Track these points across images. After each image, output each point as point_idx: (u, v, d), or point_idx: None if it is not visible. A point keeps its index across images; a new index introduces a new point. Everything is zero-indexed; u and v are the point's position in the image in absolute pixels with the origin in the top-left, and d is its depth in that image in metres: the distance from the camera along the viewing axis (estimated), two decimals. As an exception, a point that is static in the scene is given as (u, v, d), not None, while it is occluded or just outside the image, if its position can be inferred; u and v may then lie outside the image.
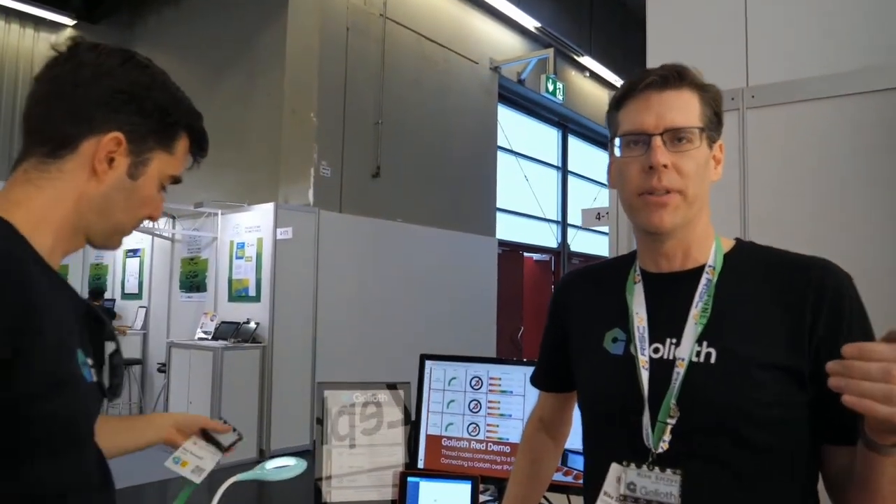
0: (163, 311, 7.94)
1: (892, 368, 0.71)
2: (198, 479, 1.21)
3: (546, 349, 1.28)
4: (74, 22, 10.20)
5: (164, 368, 6.90)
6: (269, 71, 7.62)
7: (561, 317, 1.21)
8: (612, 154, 1.06)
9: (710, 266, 1.02)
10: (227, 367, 6.10)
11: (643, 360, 0.99)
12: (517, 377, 1.71)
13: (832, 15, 2.02)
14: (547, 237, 11.55)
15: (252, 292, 6.65)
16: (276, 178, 7.24)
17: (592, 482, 1.03)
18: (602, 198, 11.16)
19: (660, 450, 0.95)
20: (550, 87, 10.00)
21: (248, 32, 8.05)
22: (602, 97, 11.67)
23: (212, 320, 6.88)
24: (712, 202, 1.06)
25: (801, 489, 0.96)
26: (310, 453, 1.68)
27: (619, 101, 1.04)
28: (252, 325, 6.47)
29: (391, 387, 1.73)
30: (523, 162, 10.87)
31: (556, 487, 1.57)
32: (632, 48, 10.98)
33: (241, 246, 6.84)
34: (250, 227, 6.77)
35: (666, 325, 1.01)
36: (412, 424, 1.73)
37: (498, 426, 1.71)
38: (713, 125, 1.01)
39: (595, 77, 11.69)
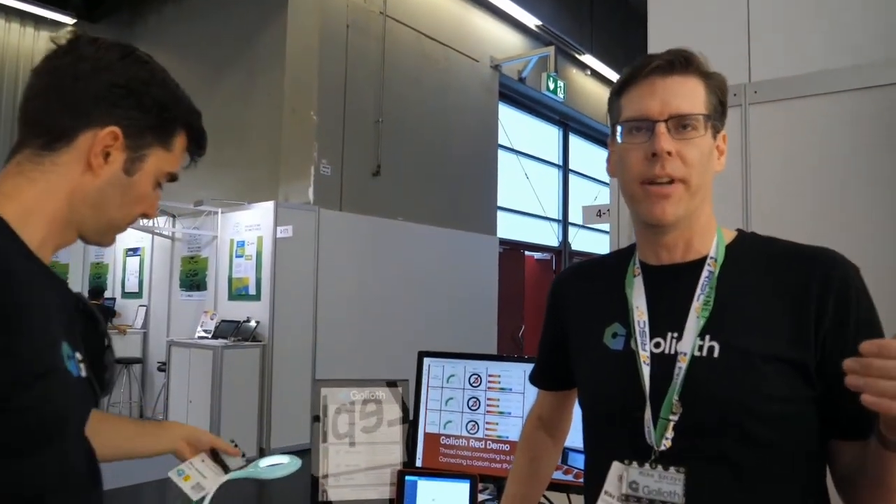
0: (163, 309, 7.93)
1: None
2: (195, 497, 1.21)
3: (544, 347, 1.26)
4: (74, 21, 10.20)
5: (164, 367, 6.89)
6: (269, 69, 7.61)
7: (559, 313, 1.18)
8: (612, 141, 1.03)
9: (711, 258, 0.99)
10: (227, 366, 6.09)
11: (644, 356, 0.97)
12: (516, 374, 1.69)
13: (835, 10, 2.01)
14: (548, 236, 11.53)
15: (252, 291, 6.64)
16: (276, 176, 7.23)
17: (593, 481, 1.01)
18: (603, 196, 11.13)
19: (662, 447, 0.92)
20: (551, 86, 9.98)
21: (248, 31, 8.04)
22: (603, 95, 11.62)
23: (212, 319, 6.87)
24: (715, 199, 1.03)
25: (808, 486, 0.94)
26: (309, 452, 1.66)
27: (622, 86, 1.01)
28: (252, 323, 6.46)
29: (391, 384, 1.71)
30: (524, 160, 10.85)
31: (556, 486, 1.55)
32: (633, 46, 10.95)
33: (241, 244, 6.82)
34: (250, 226, 6.75)
35: (667, 318, 0.98)
36: (411, 422, 1.71)
37: (497, 424, 1.69)
38: (718, 114, 0.99)
39: (596, 75, 11.66)
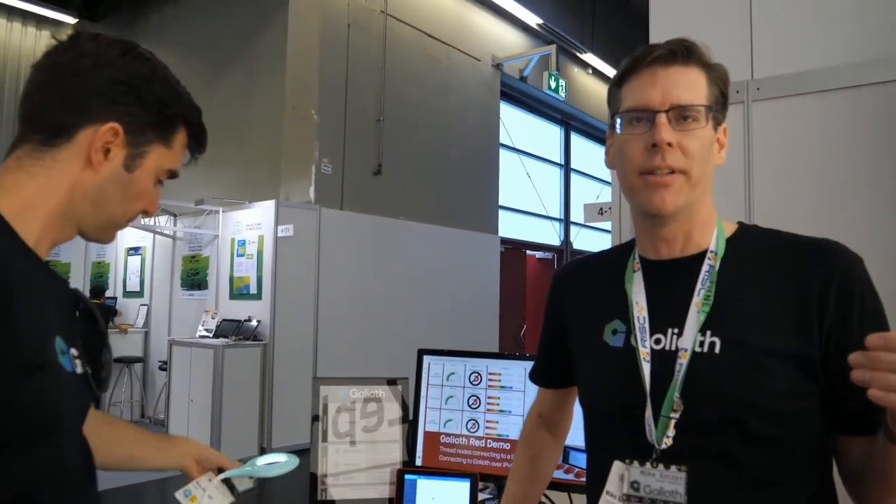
0: (164, 308, 7.93)
1: None
2: None
3: (544, 344, 1.24)
4: (76, 20, 10.22)
5: (165, 366, 6.89)
6: (270, 68, 7.60)
7: (559, 310, 1.17)
8: (612, 132, 1.01)
9: (712, 251, 0.97)
10: (228, 365, 6.08)
11: (644, 352, 0.95)
12: (517, 372, 1.68)
13: (837, 7, 1.99)
14: (550, 235, 11.52)
15: (253, 290, 6.63)
16: (277, 175, 7.22)
17: (595, 481, 0.99)
18: (605, 195, 11.12)
19: (664, 446, 0.90)
20: (553, 84, 9.97)
21: (249, 30, 8.04)
22: (605, 94, 11.57)
23: (213, 318, 6.87)
24: (717, 197, 1.02)
25: (814, 484, 0.91)
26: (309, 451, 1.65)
27: (623, 76, 0.99)
28: (253, 322, 6.45)
29: (391, 382, 1.70)
30: (526, 159, 10.84)
31: (557, 485, 1.54)
32: (635, 44, 10.73)
33: (242, 243, 6.82)
34: (251, 225, 6.75)
35: (667, 314, 0.96)
36: (410, 421, 1.70)
37: (497, 422, 1.68)
38: (719, 106, 0.97)
39: (598, 74, 11.65)
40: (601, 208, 3.27)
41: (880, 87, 1.83)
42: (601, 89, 11.73)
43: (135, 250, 8.45)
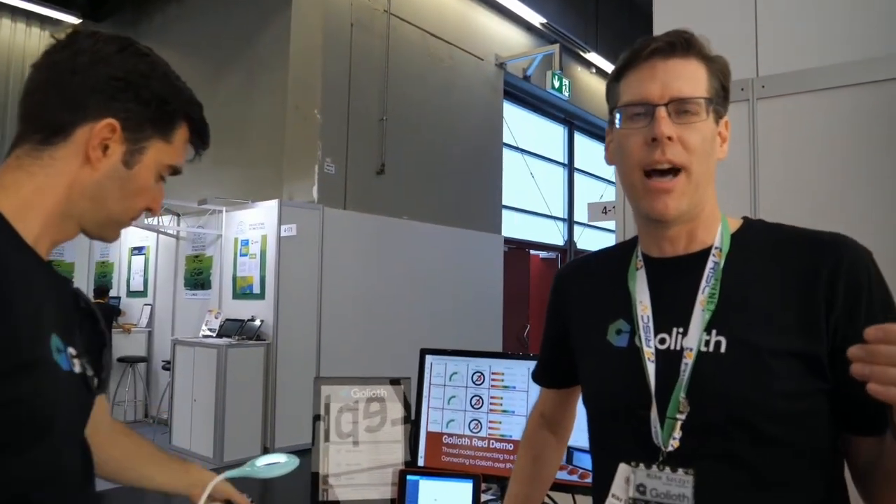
0: (168, 308, 7.93)
1: None
2: None
3: (547, 343, 1.22)
4: (80, 21, 10.24)
5: (168, 366, 6.89)
6: (273, 68, 7.60)
7: (561, 310, 1.15)
8: (611, 128, 0.99)
9: (716, 248, 0.95)
10: (231, 365, 6.08)
11: (649, 352, 0.93)
12: (520, 372, 1.66)
13: (842, 4, 1.98)
14: (553, 235, 11.50)
15: (256, 290, 6.63)
16: (280, 175, 7.22)
17: (601, 483, 0.98)
18: (609, 194, 11.10)
19: (670, 448, 0.88)
20: (556, 84, 9.96)
21: (252, 29, 8.04)
22: (608, 94, 11.57)
23: (216, 318, 6.86)
24: (722, 195, 1.00)
25: (824, 485, 0.89)
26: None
27: (621, 70, 0.97)
28: (256, 322, 6.45)
29: (394, 382, 1.69)
30: (529, 159, 10.82)
31: (561, 486, 1.53)
32: (638, 44, 10.89)
33: (246, 243, 6.81)
34: (254, 225, 6.74)
35: (672, 313, 0.94)
36: (412, 421, 1.69)
37: (500, 423, 1.66)
38: (720, 98, 0.95)
39: (601, 73, 11.61)
40: (605, 207, 3.26)
41: (885, 85, 1.82)
42: (605, 88, 11.70)
43: (138, 250, 8.46)
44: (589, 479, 1.38)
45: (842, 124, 1.88)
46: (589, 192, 12.14)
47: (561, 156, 11.94)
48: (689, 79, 0.92)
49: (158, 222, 7.67)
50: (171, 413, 6.68)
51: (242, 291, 6.80)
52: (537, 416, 1.29)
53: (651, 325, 0.95)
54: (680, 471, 0.88)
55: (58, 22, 10.23)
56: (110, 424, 1.22)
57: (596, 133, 12.51)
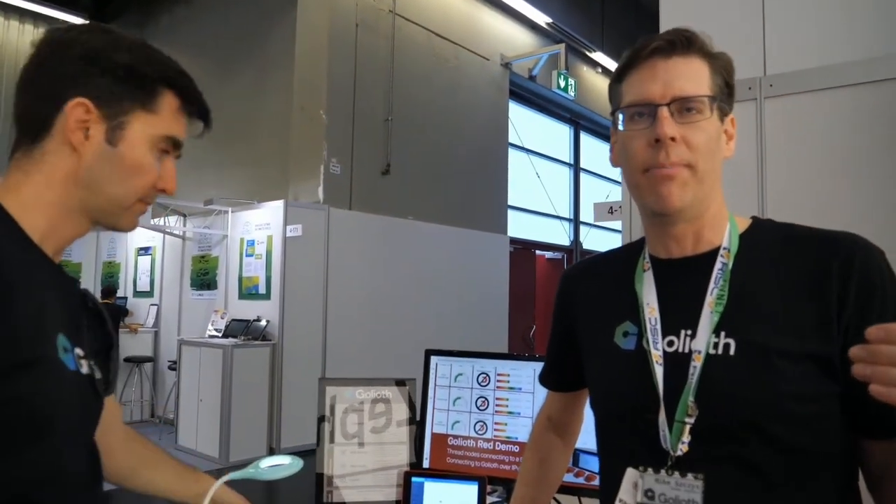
0: (174, 308, 7.95)
1: None
2: None
3: (553, 346, 1.21)
4: (86, 22, 10.27)
5: (174, 366, 6.91)
6: (279, 68, 7.61)
7: (567, 312, 1.13)
8: (614, 129, 0.98)
9: (724, 248, 0.93)
10: (237, 365, 6.09)
11: (656, 355, 0.92)
12: (526, 373, 1.65)
13: (850, 2, 1.96)
14: (559, 235, 11.47)
15: (262, 290, 6.63)
16: (285, 175, 7.23)
17: (608, 487, 0.96)
18: (615, 194, 11.07)
19: (679, 452, 0.87)
20: (562, 84, 9.93)
21: (258, 30, 8.05)
22: (614, 93, 11.54)
23: (222, 318, 6.88)
24: (728, 195, 0.98)
25: (836, 490, 0.87)
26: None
27: (622, 71, 0.96)
28: (262, 322, 6.46)
29: (400, 383, 1.68)
30: (535, 159, 10.80)
31: (567, 489, 1.52)
32: (645, 44, 10.85)
33: (252, 243, 6.82)
34: (260, 225, 6.75)
35: (680, 315, 0.93)
36: (417, 422, 1.68)
37: (506, 424, 1.65)
38: (724, 96, 0.93)
39: (607, 73, 11.58)
40: (611, 207, 3.25)
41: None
42: (610, 88, 11.68)
43: (145, 250, 8.48)
44: (595, 482, 1.37)
45: (852, 123, 1.86)
46: (595, 192, 12.11)
47: (567, 156, 11.91)
48: (691, 77, 0.91)
49: (165, 223, 7.69)
50: (177, 413, 6.69)
51: (248, 292, 6.81)
52: (544, 418, 1.28)
53: (659, 327, 0.94)
54: (689, 476, 0.86)
55: (64, 24, 10.26)
56: (124, 431, 1.21)
57: (602, 133, 12.48)
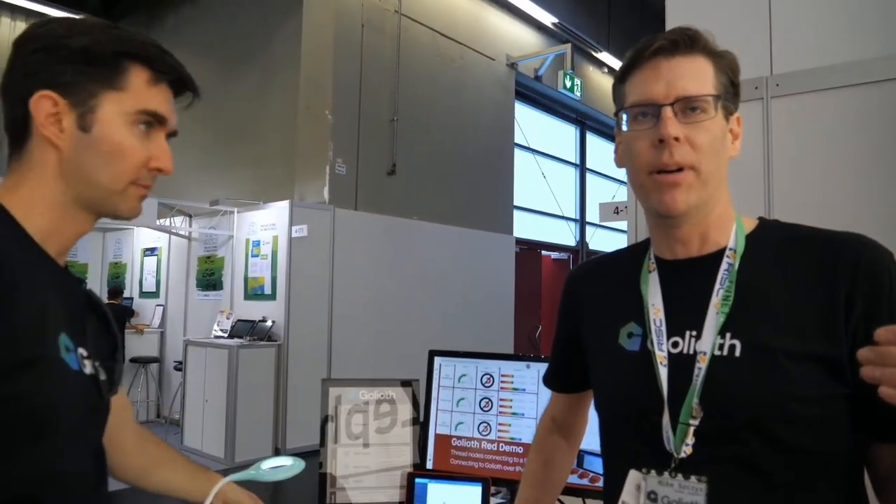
0: (180, 309, 7.97)
1: None
2: None
3: (558, 347, 1.20)
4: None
5: (180, 366, 6.92)
6: (285, 68, 7.62)
7: (573, 312, 1.13)
8: (618, 130, 0.97)
9: (730, 249, 0.92)
10: (242, 365, 6.09)
11: (661, 356, 0.91)
12: (530, 374, 1.64)
13: (856, 1, 1.95)
14: (565, 235, 11.45)
15: (268, 290, 6.64)
16: (291, 175, 7.23)
17: (611, 489, 0.95)
18: (621, 194, 11.04)
19: (682, 454, 0.86)
20: (568, 84, 9.92)
21: (264, 30, 8.06)
22: (620, 93, 11.52)
23: (228, 318, 6.89)
24: (735, 195, 0.97)
25: (843, 494, 0.86)
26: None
27: (625, 71, 0.95)
28: (268, 323, 6.46)
29: (405, 384, 1.68)
30: (541, 159, 10.78)
31: (571, 490, 1.51)
32: (651, 43, 10.82)
33: (257, 244, 6.83)
34: (266, 225, 6.76)
35: (685, 316, 0.92)
36: (421, 423, 1.67)
37: (510, 425, 1.64)
38: (729, 95, 0.92)
39: (613, 73, 11.48)
40: (617, 207, 3.24)
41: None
42: (615, 89, 11.65)
43: (151, 251, 8.51)
44: (599, 483, 1.36)
45: (859, 122, 1.85)
46: (601, 193, 12.09)
47: (573, 156, 11.89)
48: (695, 76, 0.90)
49: (170, 223, 7.71)
50: (183, 413, 6.71)
51: (254, 292, 6.82)
52: (548, 420, 1.27)
53: (664, 328, 0.93)
54: (693, 478, 0.85)
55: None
56: (137, 430, 1.21)
57: (608, 133, 12.45)
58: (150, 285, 8.52)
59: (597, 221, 11.53)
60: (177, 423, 7.05)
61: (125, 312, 7.74)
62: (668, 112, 0.88)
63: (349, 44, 7.10)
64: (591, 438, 1.29)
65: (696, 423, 0.86)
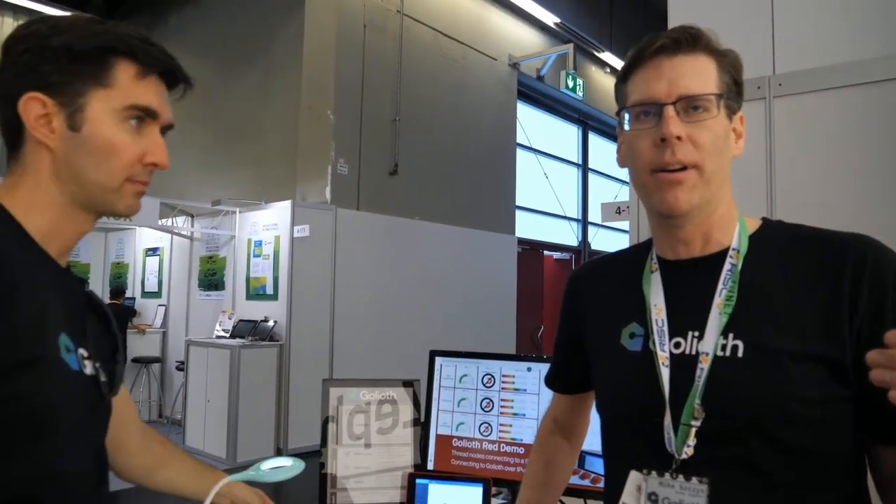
0: (182, 309, 7.98)
1: None
2: None
3: (559, 348, 1.20)
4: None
5: (182, 366, 6.93)
6: (287, 68, 7.62)
7: (575, 312, 1.12)
8: (621, 129, 0.96)
9: (733, 249, 0.92)
10: (244, 365, 6.10)
11: (663, 357, 0.90)
12: (531, 375, 1.64)
13: (859, 1, 1.94)
14: (567, 235, 11.45)
15: (269, 290, 6.65)
16: (293, 175, 7.24)
17: (612, 489, 0.95)
18: (623, 195, 11.03)
19: (683, 455, 0.85)
20: (570, 84, 9.92)
21: (266, 30, 8.06)
22: (623, 93, 11.52)
23: (230, 318, 6.89)
24: (737, 195, 0.96)
25: (846, 495, 0.85)
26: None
27: (627, 70, 0.94)
28: (269, 323, 6.47)
29: (406, 384, 1.67)
30: (543, 159, 10.78)
31: (572, 491, 1.51)
32: (653, 43, 10.82)
33: (259, 244, 6.84)
34: (268, 225, 6.76)
35: (687, 316, 0.91)
36: (422, 424, 1.67)
37: (511, 426, 1.64)
38: (732, 93, 0.92)
39: (615, 73, 11.50)
40: (619, 207, 3.24)
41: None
42: (618, 88, 11.65)
43: (153, 251, 8.52)
44: (601, 484, 1.36)
45: (862, 122, 1.84)
46: (603, 193, 12.08)
47: (575, 156, 11.89)
48: (697, 75, 0.89)
49: (173, 223, 7.72)
50: (185, 413, 6.71)
51: (256, 292, 6.82)
52: (550, 421, 1.26)
53: (666, 328, 0.92)
54: (694, 479, 0.85)
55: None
56: (141, 430, 1.21)
57: (610, 133, 12.45)
58: (152, 285, 8.53)
59: (599, 221, 11.53)
60: (178, 424, 7.05)
61: (127, 312, 7.74)
62: (670, 111, 0.88)
63: (351, 44, 7.11)
64: (592, 439, 1.29)
65: (697, 424, 0.85)
